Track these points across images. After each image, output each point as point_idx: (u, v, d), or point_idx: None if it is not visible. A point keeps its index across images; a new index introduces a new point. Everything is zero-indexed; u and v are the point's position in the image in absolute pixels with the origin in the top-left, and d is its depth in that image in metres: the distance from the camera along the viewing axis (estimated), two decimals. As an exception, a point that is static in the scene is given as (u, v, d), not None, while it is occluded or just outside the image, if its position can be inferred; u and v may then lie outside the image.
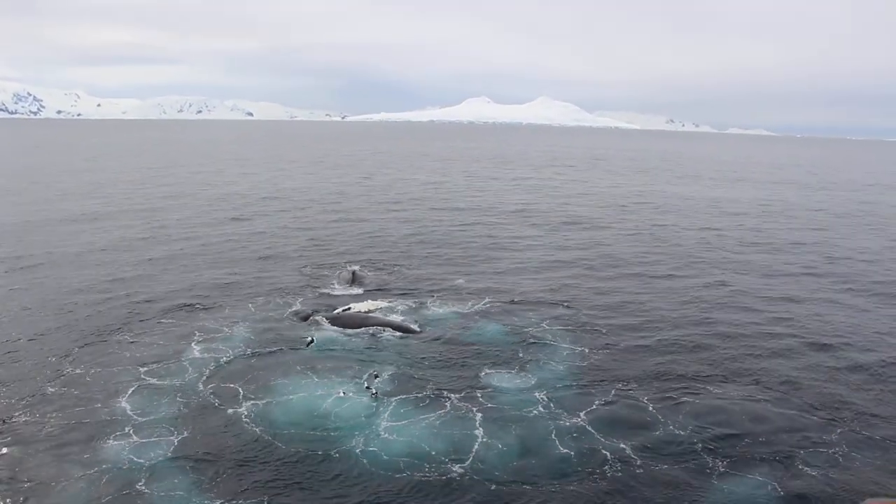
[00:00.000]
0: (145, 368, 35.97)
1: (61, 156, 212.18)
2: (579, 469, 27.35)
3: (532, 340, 41.57)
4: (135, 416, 30.78)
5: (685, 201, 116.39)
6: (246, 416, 30.86)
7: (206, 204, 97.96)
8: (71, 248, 64.61)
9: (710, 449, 29.07)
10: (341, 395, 32.81)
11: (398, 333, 41.98)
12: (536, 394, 33.90)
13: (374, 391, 33.22)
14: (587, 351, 40.01)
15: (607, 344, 41.32)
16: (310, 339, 35.58)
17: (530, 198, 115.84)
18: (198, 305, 46.98)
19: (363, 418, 30.84)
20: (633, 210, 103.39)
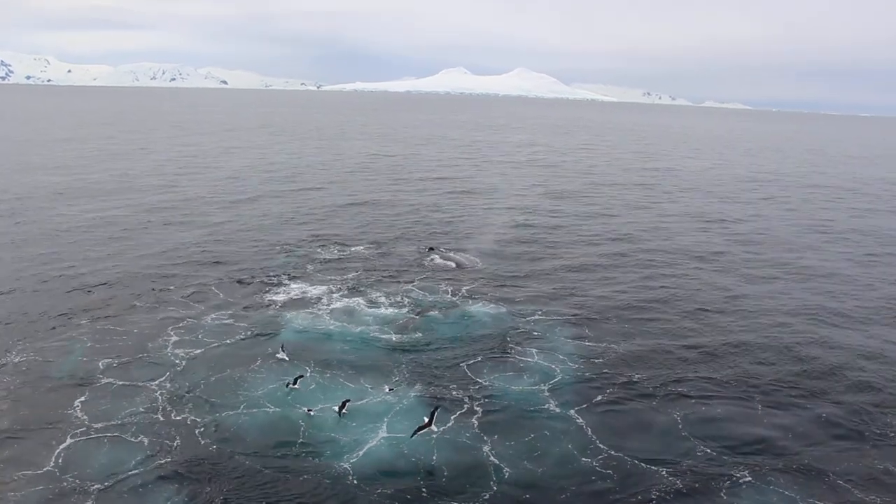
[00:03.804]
0: (106, 363, 32.96)
1: (36, 125, 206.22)
2: (598, 482, 24.92)
3: (532, 332, 38.85)
4: (91, 421, 27.86)
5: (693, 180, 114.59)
6: (215, 426, 27.92)
7: (183, 182, 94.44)
8: (33, 226, 61.27)
9: (733, 458, 26.75)
10: (315, 408, 29.27)
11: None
12: (542, 395, 31.25)
13: (390, 388, 30.63)
14: (591, 343, 37.49)
15: (613, 337, 38.72)
16: (290, 380, 31.86)
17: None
18: (169, 289, 43.99)
19: (351, 432, 27.85)
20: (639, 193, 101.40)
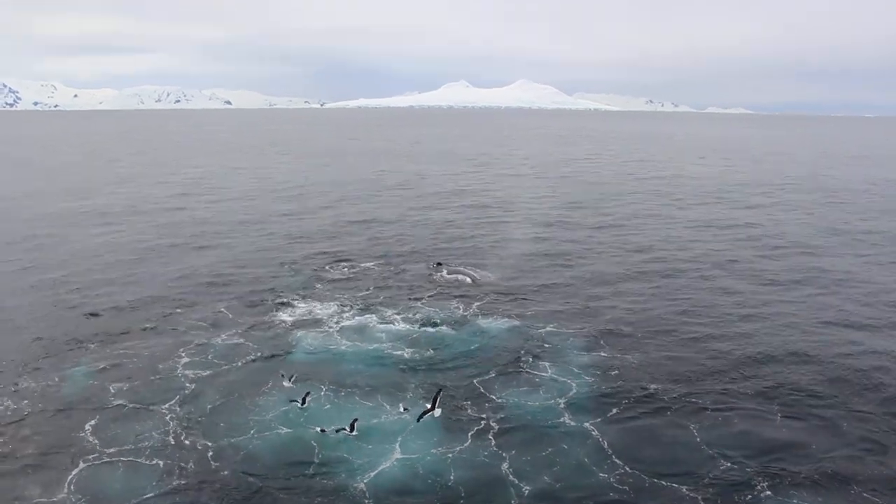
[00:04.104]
0: (116, 387, 32.74)
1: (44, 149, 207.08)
2: (616, 497, 24.46)
3: (546, 346, 38.40)
4: (102, 446, 27.62)
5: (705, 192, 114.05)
6: (228, 448, 27.58)
7: (191, 203, 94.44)
8: (42, 251, 61.28)
9: (753, 470, 26.20)
10: (328, 428, 28.66)
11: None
12: (558, 410, 30.74)
13: (405, 407, 30.10)
14: (606, 356, 37.03)
15: (628, 348, 38.18)
16: (298, 400, 31.54)
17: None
18: (177, 311, 43.79)
19: (365, 452, 27.37)
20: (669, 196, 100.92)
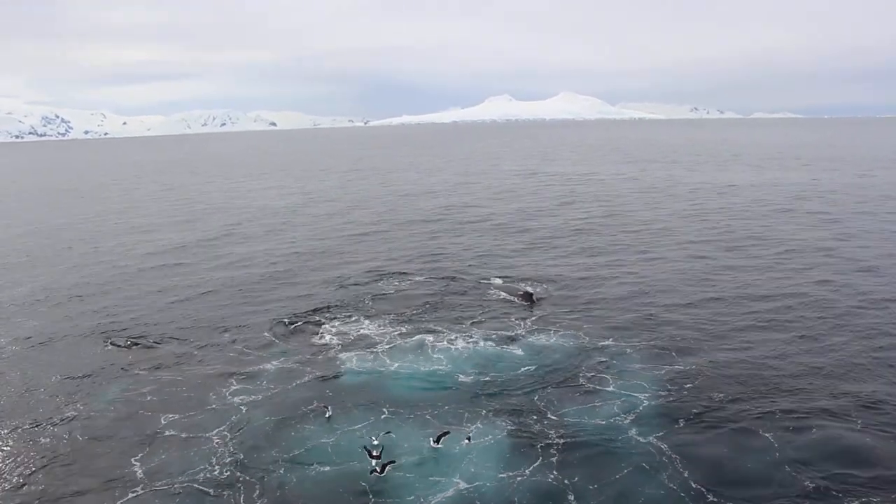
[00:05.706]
0: (167, 416, 31.78)
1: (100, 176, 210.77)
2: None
3: (610, 361, 36.60)
4: (149, 478, 26.71)
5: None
6: (278, 478, 26.50)
7: (245, 224, 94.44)
8: (91, 284, 61.23)
9: (836, 486, 24.53)
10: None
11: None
12: (628, 429, 29.09)
13: (435, 443, 28.24)
14: (678, 368, 35.23)
15: (696, 360, 36.26)
16: (328, 414, 30.22)
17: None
18: (226, 336, 42.94)
19: (424, 481, 25.89)
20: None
